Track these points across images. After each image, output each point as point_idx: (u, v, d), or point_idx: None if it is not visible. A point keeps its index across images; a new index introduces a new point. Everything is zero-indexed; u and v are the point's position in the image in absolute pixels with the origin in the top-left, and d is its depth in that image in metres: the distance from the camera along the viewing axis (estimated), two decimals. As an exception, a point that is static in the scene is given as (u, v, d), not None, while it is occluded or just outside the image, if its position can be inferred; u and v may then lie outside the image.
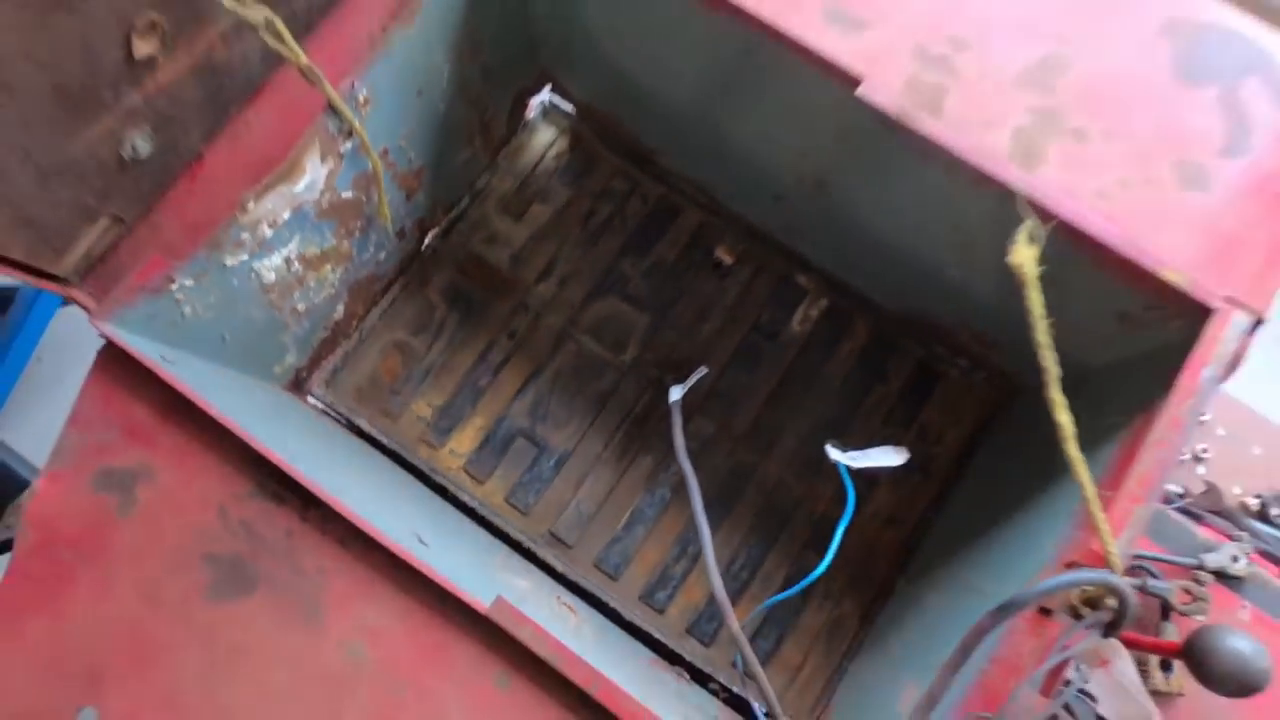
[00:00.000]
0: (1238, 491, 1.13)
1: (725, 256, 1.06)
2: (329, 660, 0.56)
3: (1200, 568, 0.94)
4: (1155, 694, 0.91)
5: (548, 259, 1.06)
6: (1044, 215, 0.62)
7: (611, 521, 0.97)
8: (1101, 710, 0.59)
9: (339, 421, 0.98)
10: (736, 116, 0.85)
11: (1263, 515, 1.11)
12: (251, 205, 0.68)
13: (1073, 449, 0.51)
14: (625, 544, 0.97)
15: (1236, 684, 0.63)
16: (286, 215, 0.72)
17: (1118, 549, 0.54)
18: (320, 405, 0.97)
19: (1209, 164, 0.66)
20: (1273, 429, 1.14)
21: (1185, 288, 0.60)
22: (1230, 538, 0.99)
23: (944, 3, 0.69)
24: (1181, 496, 1.09)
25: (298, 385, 0.95)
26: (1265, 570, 0.99)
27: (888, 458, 0.77)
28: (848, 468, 0.76)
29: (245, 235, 0.69)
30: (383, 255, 0.94)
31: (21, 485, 1.11)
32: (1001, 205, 0.62)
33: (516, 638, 0.54)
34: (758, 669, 0.68)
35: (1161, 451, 0.57)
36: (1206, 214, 0.65)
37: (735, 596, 0.95)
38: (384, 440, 0.97)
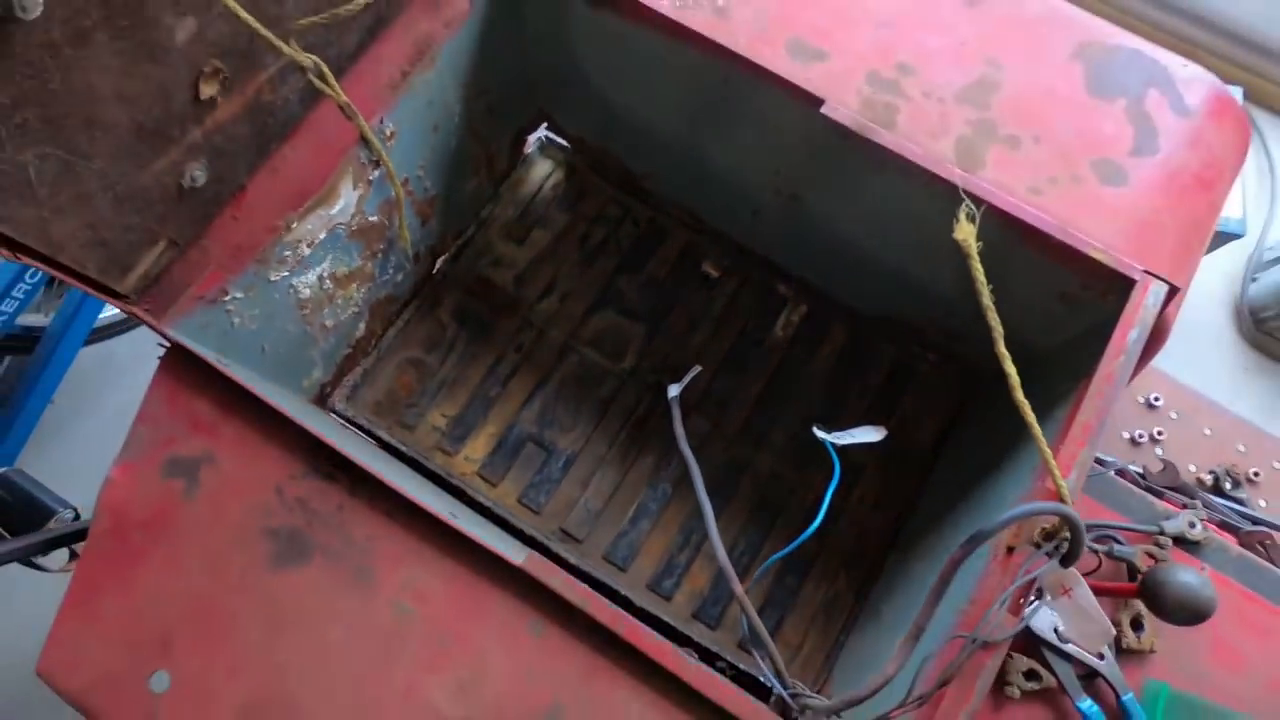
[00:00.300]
0: (1192, 469, 1.22)
1: (712, 271, 1.16)
2: (380, 618, 0.62)
3: (1161, 533, 1.02)
4: (1129, 652, 0.98)
5: (549, 279, 1.15)
6: (985, 206, 0.73)
7: (618, 516, 1.04)
8: (1067, 633, 0.66)
9: (360, 433, 1.04)
10: (717, 140, 0.95)
11: (1216, 489, 1.20)
12: (295, 225, 0.76)
13: (1019, 396, 0.60)
14: (632, 537, 1.03)
15: (1187, 612, 0.71)
16: (322, 235, 0.81)
17: (1067, 485, 0.63)
18: (341, 419, 1.04)
19: (1124, 162, 0.77)
20: (1220, 411, 1.25)
21: (1109, 263, 0.71)
22: (1186, 507, 1.08)
23: (890, 36, 0.81)
24: (1143, 475, 1.19)
25: (322, 400, 1.02)
26: (1221, 536, 1.08)
27: (868, 435, 0.85)
28: (833, 445, 0.85)
29: (288, 253, 0.78)
30: (400, 277, 1.02)
31: (48, 513, 1.16)
32: (951, 203, 0.73)
33: (549, 586, 0.61)
34: (760, 627, 0.75)
35: (1099, 402, 0.66)
36: (1124, 204, 0.76)
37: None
38: (402, 448, 1.03)
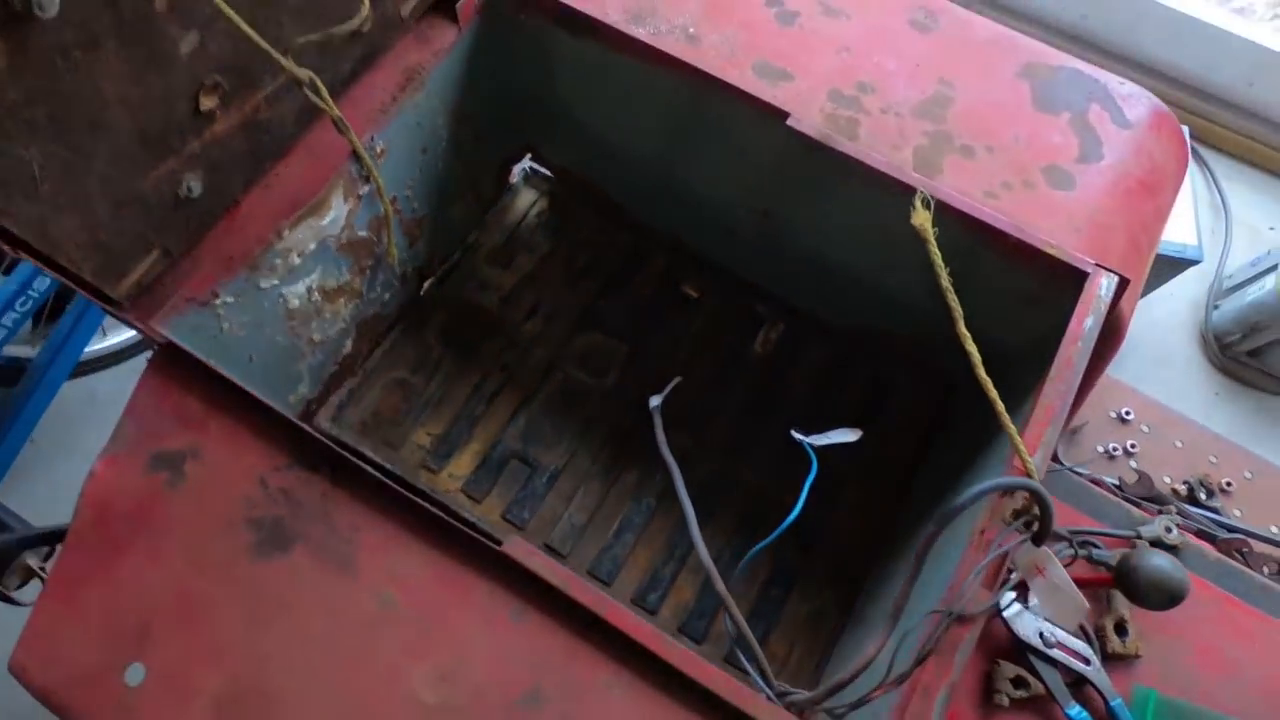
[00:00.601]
0: (1167, 480, 1.25)
1: (692, 292, 1.19)
2: (362, 606, 0.62)
3: (1138, 538, 1.03)
4: (1115, 657, 0.98)
5: (534, 301, 1.18)
6: (945, 210, 0.77)
7: (602, 531, 1.04)
8: (1041, 611, 0.67)
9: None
10: (691, 162, 1.00)
11: (1191, 499, 1.22)
12: (286, 233, 0.79)
13: (981, 373, 0.62)
14: (616, 551, 1.03)
15: (1161, 593, 0.72)
16: (312, 246, 0.84)
17: (1033, 462, 0.65)
18: (327, 438, 1.05)
19: (1072, 169, 0.82)
20: (1190, 424, 1.28)
21: (1063, 257, 0.75)
22: (1161, 513, 1.10)
23: (850, 59, 0.87)
24: (1119, 486, 1.21)
25: (307, 418, 1.03)
26: (1198, 543, 1.10)
27: (844, 436, 0.87)
28: (811, 446, 0.87)
29: (278, 261, 0.80)
30: (388, 296, 1.05)
31: (24, 544, 1.14)
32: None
33: (529, 568, 0.61)
34: (743, 625, 0.75)
35: (1059, 386, 0.69)
36: (1075, 207, 0.80)
37: (722, 595, 1.01)
38: (387, 465, 1.04)
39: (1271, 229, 1.95)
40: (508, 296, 1.18)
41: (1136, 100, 0.86)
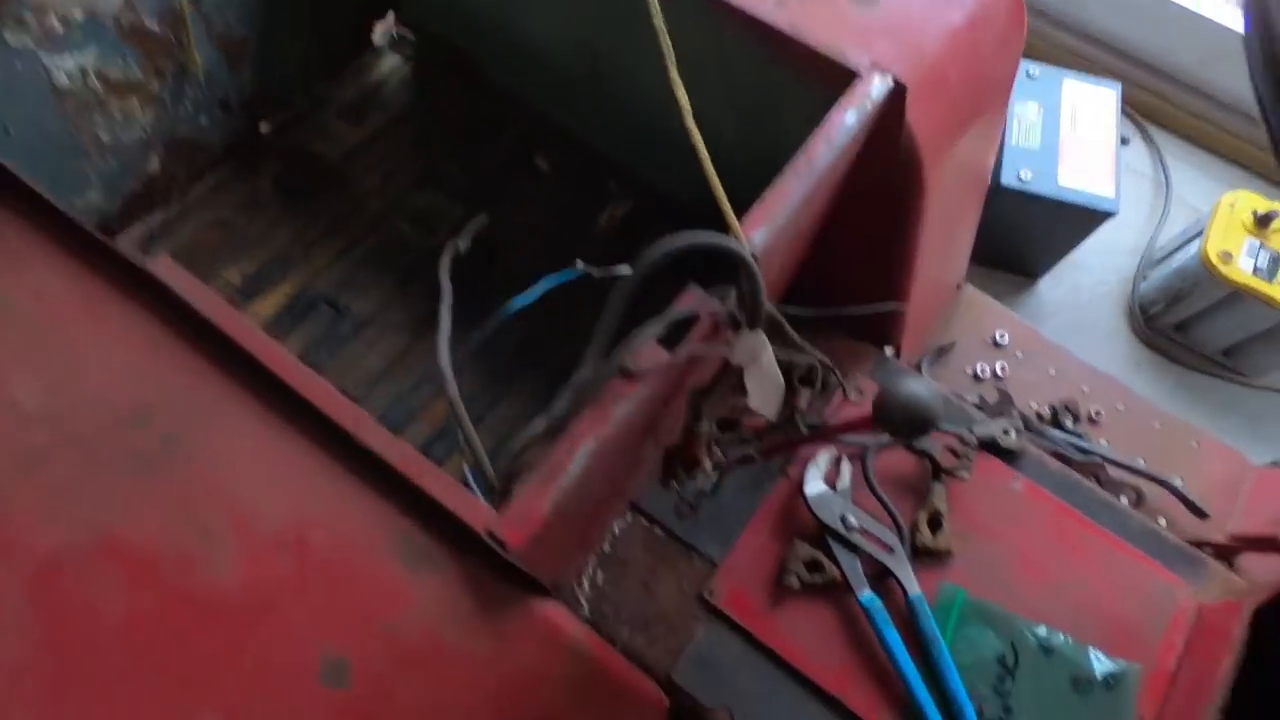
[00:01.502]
0: (1033, 405, 1.17)
1: (542, 164, 1.15)
2: (-19, 314, 0.57)
3: (970, 434, 0.96)
4: (925, 552, 0.91)
5: (378, 157, 1.14)
6: (722, 11, 0.72)
7: (401, 380, 0.99)
8: (750, 401, 0.60)
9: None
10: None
11: (1055, 423, 1.14)
12: (35, -16, 0.76)
13: (690, 122, 0.57)
14: (412, 402, 0.98)
15: (908, 414, 0.66)
16: (79, 16, 0.80)
17: (756, 236, 0.59)
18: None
19: (876, -10, 0.77)
20: (1065, 354, 1.21)
21: (833, 56, 0.69)
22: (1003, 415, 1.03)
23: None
24: (979, 406, 1.13)
25: (105, 235, 0.98)
26: (1038, 449, 1.02)
27: (623, 270, 0.82)
28: (588, 273, 0.81)
29: (29, 16, 0.77)
30: (204, 120, 1.01)
31: None
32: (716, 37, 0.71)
33: (172, 289, 0.56)
34: (459, 407, 0.70)
35: (799, 169, 0.63)
36: (872, 24, 0.75)
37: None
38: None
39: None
40: (351, 151, 1.14)
41: (962, -65, 0.81)
